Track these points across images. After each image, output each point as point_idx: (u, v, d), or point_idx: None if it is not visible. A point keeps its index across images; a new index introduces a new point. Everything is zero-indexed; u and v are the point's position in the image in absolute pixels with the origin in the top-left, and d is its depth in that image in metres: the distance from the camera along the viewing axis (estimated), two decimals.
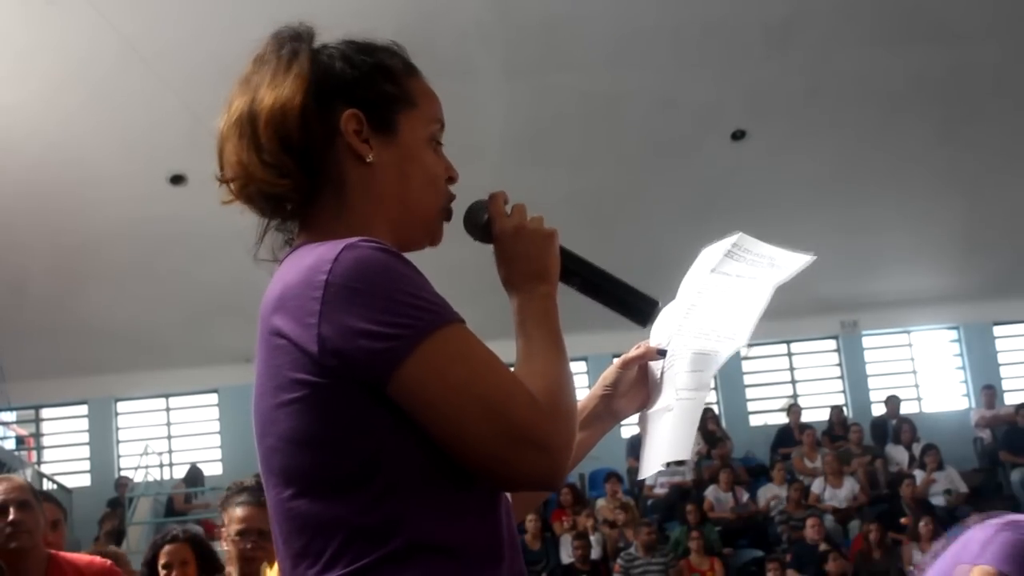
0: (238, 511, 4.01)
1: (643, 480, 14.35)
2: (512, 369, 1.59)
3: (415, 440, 1.51)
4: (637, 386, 1.99)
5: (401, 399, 1.49)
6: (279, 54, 1.70)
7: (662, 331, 1.97)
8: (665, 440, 1.91)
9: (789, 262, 1.91)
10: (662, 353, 1.95)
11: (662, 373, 1.95)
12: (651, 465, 1.93)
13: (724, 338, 1.90)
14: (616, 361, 2.00)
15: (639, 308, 1.80)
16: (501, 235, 1.72)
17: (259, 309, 1.60)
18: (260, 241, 1.73)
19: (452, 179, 1.75)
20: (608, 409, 1.99)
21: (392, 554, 1.49)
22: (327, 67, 1.68)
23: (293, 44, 1.71)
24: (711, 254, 1.93)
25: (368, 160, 1.66)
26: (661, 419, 1.93)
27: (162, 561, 4.43)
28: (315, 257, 1.54)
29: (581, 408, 1.97)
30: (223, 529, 4.13)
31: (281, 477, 1.57)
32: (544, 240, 1.71)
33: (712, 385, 1.88)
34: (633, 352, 1.98)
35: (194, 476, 15.68)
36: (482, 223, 1.75)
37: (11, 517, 3.82)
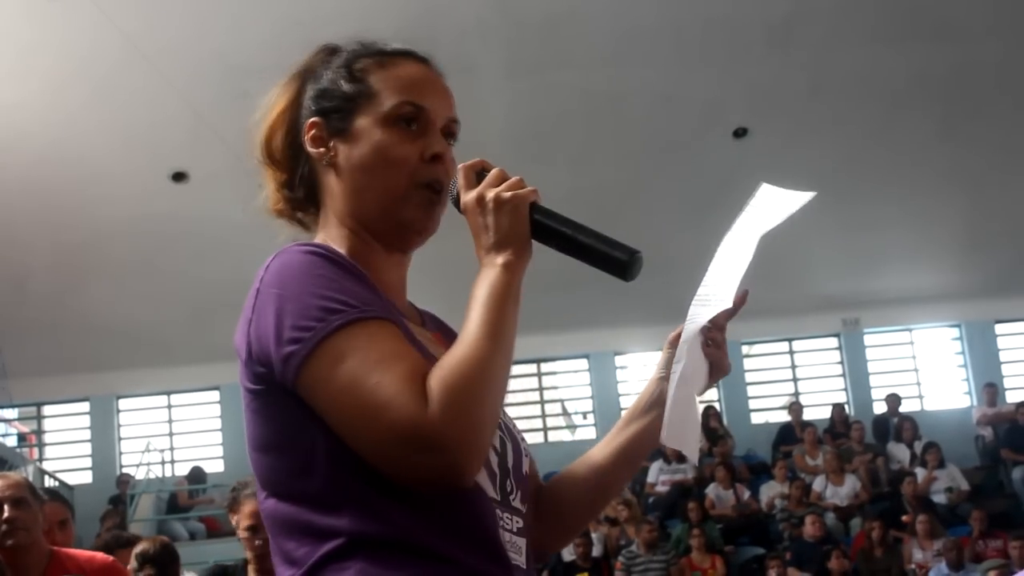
0: (246, 506, 3.99)
1: (644, 477, 14.39)
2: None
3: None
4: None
5: (307, 401, 1.50)
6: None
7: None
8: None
9: (788, 202, 1.83)
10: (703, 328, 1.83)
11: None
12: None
13: (715, 300, 1.80)
14: (666, 341, 1.91)
15: (620, 262, 1.63)
16: (464, 209, 1.64)
17: None
18: None
19: (437, 156, 1.69)
20: (664, 393, 1.86)
21: (335, 551, 1.51)
22: (304, 85, 1.76)
23: (298, 69, 1.78)
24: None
25: (324, 163, 1.71)
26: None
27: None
28: (262, 267, 1.59)
29: (641, 396, 1.91)
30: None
31: (258, 481, 1.62)
32: (502, 207, 1.60)
33: (683, 356, 1.77)
34: (679, 329, 1.87)
35: (197, 476, 15.71)
36: (456, 197, 1.68)
37: (6, 515, 3.81)
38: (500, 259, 1.58)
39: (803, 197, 1.81)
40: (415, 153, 1.68)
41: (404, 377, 1.46)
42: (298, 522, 1.54)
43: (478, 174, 1.66)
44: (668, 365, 1.87)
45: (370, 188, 1.68)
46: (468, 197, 1.63)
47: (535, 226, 1.63)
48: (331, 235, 1.70)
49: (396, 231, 1.71)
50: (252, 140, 1.78)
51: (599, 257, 1.64)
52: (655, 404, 1.88)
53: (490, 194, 1.61)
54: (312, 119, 1.71)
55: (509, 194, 1.61)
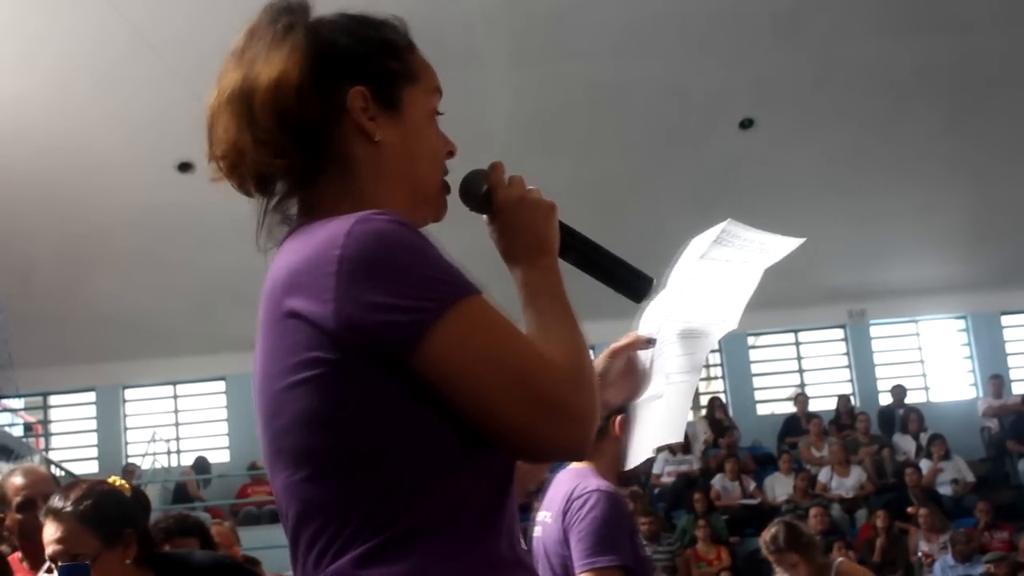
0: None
1: (650, 469, 14.39)
2: None
3: (432, 418, 1.49)
4: (626, 376, 1.96)
5: (425, 373, 1.47)
6: (274, 27, 1.67)
7: (650, 320, 1.95)
8: (658, 425, 1.90)
9: (779, 245, 1.90)
10: (651, 342, 1.93)
11: (651, 362, 1.93)
12: (641, 452, 1.93)
13: (716, 321, 1.89)
14: (605, 351, 1.98)
15: (634, 285, 1.76)
16: (504, 205, 1.68)
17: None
18: (261, 224, 1.69)
19: (451, 153, 1.72)
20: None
21: (404, 534, 1.48)
22: (329, 41, 1.65)
23: (288, 16, 1.67)
24: (700, 242, 1.93)
25: (376, 139, 1.64)
26: (650, 407, 1.93)
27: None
28: (326, 233, 1.52)
29: None
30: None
31: (293, 459, 1.54)
32: (547, 211, 1.68)
33: (703, 365, 1.87)
34: (622, 341, 1.96)
35: (201, 466, 15.74)
36: (481, 193, 1.71)
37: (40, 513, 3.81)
38: (546, 260, 1.67)
39: (793, 242, 1.92)
40: (443, 145, 1.71)
41: (542, 351, 1.52)
42: (356, 502, 1.49)
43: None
44: (603, 373, 1.95)
45: (417, 176, 1.68)
46: (511, 195, 1.68)
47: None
48: (362, 210, 1.56)
49: (427, 215, 1.71)
50: (240, 88, 1.63)
51: (615, 280, 1.76)
52: None
53: (533, 196, 1.68)
54: (359, 87, 1.63)
55: (549, 201, 1.68)
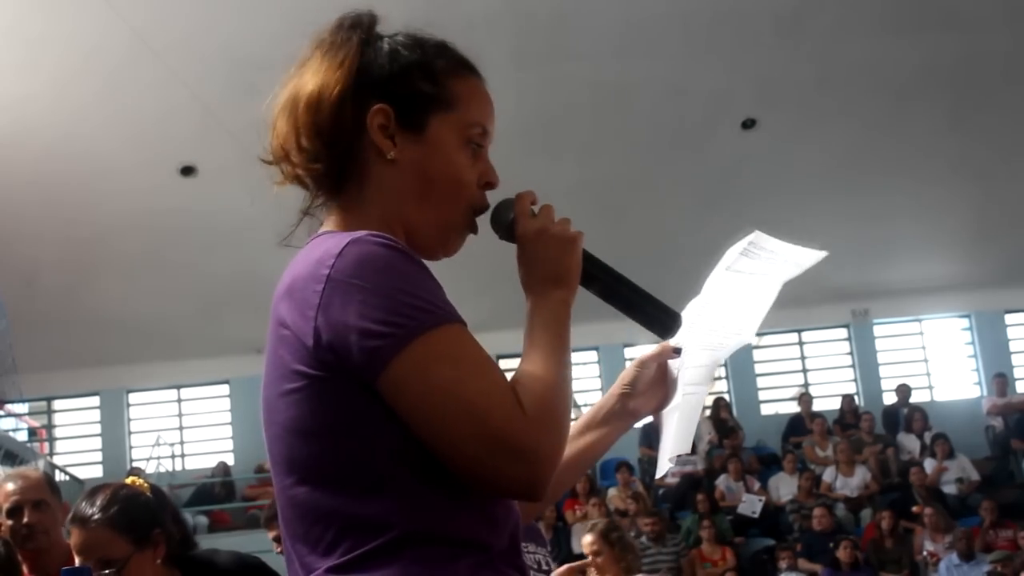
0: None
1: (655, 470, 14.40)
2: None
3: (408, 434, 1.52)
4: (655, 386, 1.98)
5: (388, 397, 1.50)
6: (334, 39, 1.71)
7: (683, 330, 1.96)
8: (670, 437, 1.92)
9: (802, 258, 1.92)
10: (678, 352, 1.94)
11: (678, 372, 1.96)
12: (663, 464, 1.96)
13: (732, 333, 1.92)
14: (634, 360, 2.00)
15: (661, 320, 1.77)
16: (523, 236, 1.69)
17: (271, 299, 1.61)
18: (297, 224, 1.74)
19: (490, 184, 1.73)
20: (625, 408, 1.98)
21: (385, 545, 1.50)
22: (370, 59, 1.69)
23: (348, 32, 1.71)
24: (731, 252, 1.94)
25: (389, 157, 1.66)
26: (671, 417, 1.95)
27: None
28: (322, 250, 1.55)
29: (599, 406, 1.99)
30: None
31: (283, 466, 1.59)
32: (565, 244, 1.67)
33: (714, 377, 1.88)
34: (651, 351, 1.98)
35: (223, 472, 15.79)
36: (507, 222, 1.72)
37: (25, 519, 3.80)
38: (558, 293, 1.66)
39: (817, 255, 1.93)
40: (475, 177, 1.71)
41: (504, 387, 1.51)
42: (337, 512, 1.53)
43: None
44: (632, 382, 1.98)
45: (432, 201, 1.68)
46: (531, 227, 1.68)
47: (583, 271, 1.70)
48: (369, 227, 1.61)
49: (433, 247, 1.71)
50: (292, 95, 1.69)
51: (639, 311, 1.76)
52: (611, 417, 1.99)
53: (555, 229, 1.68)
54: (380, 104, 1.66)
55: (574, 232, 1.68)
